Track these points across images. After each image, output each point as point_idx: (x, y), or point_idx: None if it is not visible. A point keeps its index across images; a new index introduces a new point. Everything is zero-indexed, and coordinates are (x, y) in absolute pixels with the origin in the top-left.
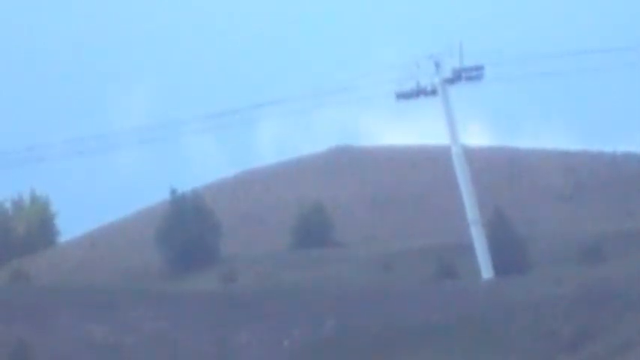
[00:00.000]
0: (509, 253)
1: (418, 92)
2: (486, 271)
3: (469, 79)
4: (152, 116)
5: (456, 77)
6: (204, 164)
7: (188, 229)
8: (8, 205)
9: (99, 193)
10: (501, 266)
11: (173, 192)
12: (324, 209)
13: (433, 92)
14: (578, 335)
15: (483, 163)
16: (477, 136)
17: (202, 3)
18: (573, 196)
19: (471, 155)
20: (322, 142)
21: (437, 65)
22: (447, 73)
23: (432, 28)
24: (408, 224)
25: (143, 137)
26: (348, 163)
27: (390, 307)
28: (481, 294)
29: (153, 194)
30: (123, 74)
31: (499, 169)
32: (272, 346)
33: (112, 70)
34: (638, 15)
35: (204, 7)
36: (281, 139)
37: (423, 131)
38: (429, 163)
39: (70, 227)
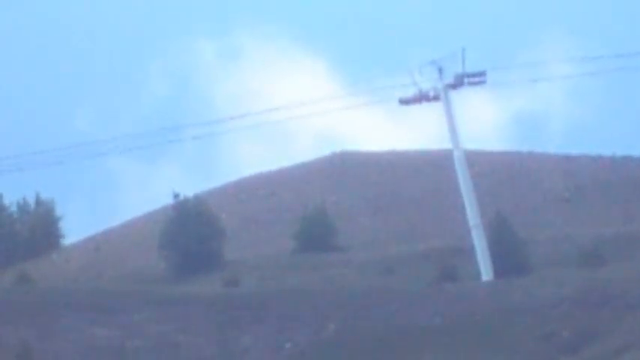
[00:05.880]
0: (510, 256)
1: (421, 98)
2: (487, 274)
3: (471, 84)
4: (156, 121)
5: (459, 82)
6: (207, 169)
7: (191, 234)
8: (13, 208)
9: (103, 197)
10: (502, 269)
11: (176, 196)
12: (327, 213)
13: (435, 98)
14: (578, 337)
15: (484, 167)
16: (478, 140)
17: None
18: (573, 200)
19: (472, 159)
20: (325, 147)
21: (439, 71)
22: (450, 78)
23: (435, 33)
24: (409, 228)
25: (147, 142)
26: (350, 167)
27: (392, 310)
28: (482, 297)
29: (156, 199)
30: (127, 78)
31: (500, 173)
32: (274, 349)
33: (115, 74)
34: (638, 21)
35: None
36: (283, 144)
37: (425, 136)
38: (431, 168)
39: (75, 231)
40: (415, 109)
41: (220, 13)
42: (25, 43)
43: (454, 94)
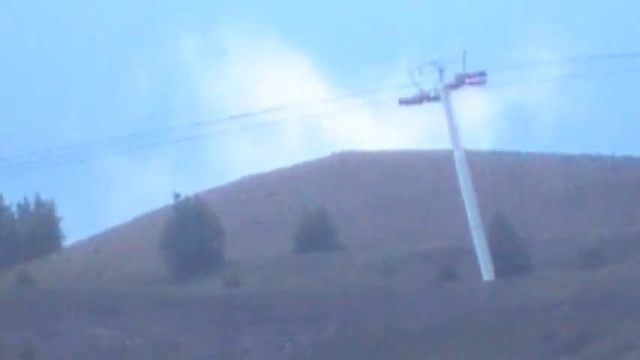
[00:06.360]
0: (510, 257)
1: (421, 98)
2: (487, 275)
3: (472, 84)
4: (156, 121)
5: (459, 83)
6: (207, 169)
7: (191, 234)
8: (14, 209)
9: (103, 198)
10: (502, 270)
11: (176, 197)
12: (327, 214)
13: (436, 98)
14: (579, 338)
15: (485, 167)
16: (479, 140)
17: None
18: (573, 200)
19: (473, 160)
20: (325, 147)
21: (440, 71)
22: (450, 78)
23: (436, 34)
24: (410, 228)
25: (147, 142)
26: (350, 168)
27: (392, 310)
28: (482, 297)
29: (156, 199)
30: (125, 79)
31: (500, 174)
32: (275, 350)
33: (114, 74)
34: (638, 21)
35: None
36: (285, 145)
37: (425, 136)
38: (431, 168)
39: (75, 231)
40: (415, 109)
41: (205, 10)
42: (11, 43)
43: (454, 95)
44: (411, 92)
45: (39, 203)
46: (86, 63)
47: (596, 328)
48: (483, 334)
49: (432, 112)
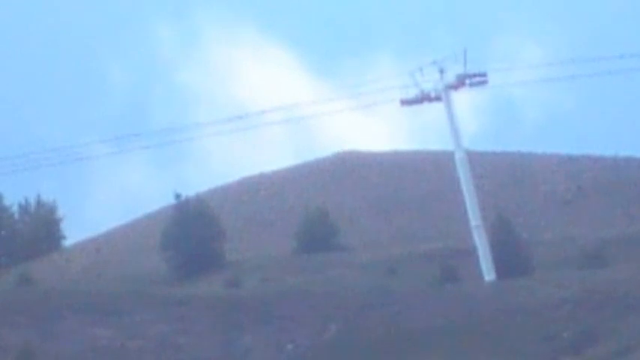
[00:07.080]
0: (512, 257)
1: (422, 99)
2: (489, 275)
3: (473, 84)
4: (157, 121)
5: (460, 83)
6: (208, 169)
7: (193, 234)
8: (15, 209)
9: (104, 198)
10: (504, 270)
11: (177, 197)
12: (329, 214)
13: (437, 99)
14: (581, 338)
15: (486, 168)
16: (480, 141)
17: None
18: (575, 201)
19: (474, 160)
20: (327, 147)
21: (441, 71)
22: (451, 79)
23: (436, 34)
24: (411, 229)
25: (147, 143)
26: (352, 168)
27: (394, 311)
28: (483, 298)
29: (157, 199)
30: (127, 79)
31: (502, 174)
32: (276, 350)
33: (92, 70)
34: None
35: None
36: (286, 145)
37: (427, 137)
38: (433, 169)
39: (76, 232)
40: (417, 109)
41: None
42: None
43: (455, 95)
44: (411, 92)
45: (40, 203)
46: (66, 57)
47: (597, 328)
48: (485, 334)
49: (433, 112)
